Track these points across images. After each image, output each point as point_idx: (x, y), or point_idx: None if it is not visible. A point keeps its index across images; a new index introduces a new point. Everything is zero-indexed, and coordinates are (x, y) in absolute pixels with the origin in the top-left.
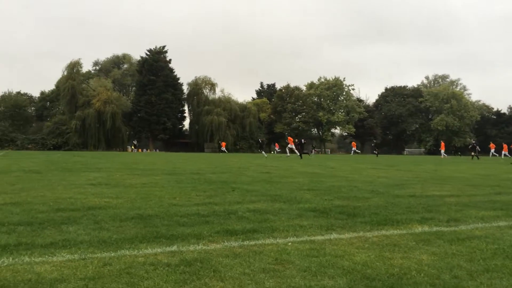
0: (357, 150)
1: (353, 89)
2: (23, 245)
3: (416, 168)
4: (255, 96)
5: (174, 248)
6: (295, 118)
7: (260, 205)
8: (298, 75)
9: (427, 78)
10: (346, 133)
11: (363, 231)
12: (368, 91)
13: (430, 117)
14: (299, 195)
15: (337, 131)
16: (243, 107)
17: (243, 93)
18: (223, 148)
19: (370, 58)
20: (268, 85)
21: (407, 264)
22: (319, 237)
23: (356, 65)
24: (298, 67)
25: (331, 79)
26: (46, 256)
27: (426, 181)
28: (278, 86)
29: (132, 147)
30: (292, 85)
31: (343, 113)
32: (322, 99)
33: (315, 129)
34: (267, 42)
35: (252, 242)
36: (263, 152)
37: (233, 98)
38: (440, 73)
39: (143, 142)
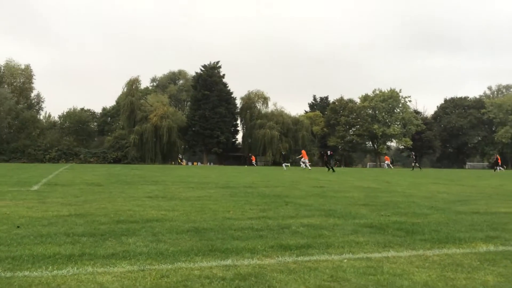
0: (390, 165)
1: (409, 101)
2: (87, 255)
3: (479, 183)
4: (307, 109)
5: (229, 262)
6: (349, 131)
7: (314, 220)
8: (352, 88)
9: (489, 88)
10: (402, 146)
11: (423, 249)
12: (426, 103)
13: (493, 129)
14: (354, 210)
15: (393, 144)
16: (296, 121)
17: (295, 106)
18: (253, 162)
19: (428, 68)
20: (321, 98)
21: (471, 285)
22: (376, 255)
23: (413, 76)
24: (352, 79)
25: (386, 91)
26: (108, 267)
27: (490, 197)
28: (331, 99)
29: (179, 161)
30: (345, 97)
31: (399, 126)
32: (377, 112)
33: (370, 142)
34: (320, 54)
35: (307, 258)
36: (284, 164)
37: (285, 111)
38: (504, 83)
39: (197, 155)
